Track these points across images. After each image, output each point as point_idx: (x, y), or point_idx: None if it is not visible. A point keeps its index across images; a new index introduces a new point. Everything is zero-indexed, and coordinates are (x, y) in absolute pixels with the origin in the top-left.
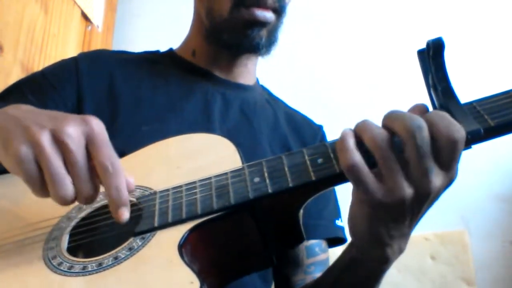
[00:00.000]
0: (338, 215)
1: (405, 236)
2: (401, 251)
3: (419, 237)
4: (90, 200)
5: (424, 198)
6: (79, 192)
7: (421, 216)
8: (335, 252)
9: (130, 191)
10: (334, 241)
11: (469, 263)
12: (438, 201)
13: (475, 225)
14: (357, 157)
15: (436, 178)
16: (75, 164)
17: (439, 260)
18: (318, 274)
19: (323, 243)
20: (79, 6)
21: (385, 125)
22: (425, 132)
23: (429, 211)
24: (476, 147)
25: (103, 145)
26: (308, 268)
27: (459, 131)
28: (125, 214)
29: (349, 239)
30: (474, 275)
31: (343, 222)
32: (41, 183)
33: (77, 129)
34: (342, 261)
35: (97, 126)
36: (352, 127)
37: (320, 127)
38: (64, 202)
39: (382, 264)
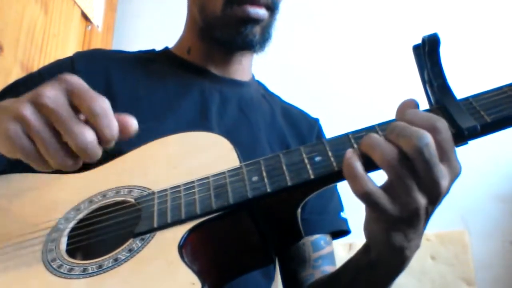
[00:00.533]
0: (341, 208)
1: (421, 234)
2: (417, 247)
3: None
4: (92, 152)
5: (436, 201)
6: (75, 146)
7: (434, 211)
8: (336, 253)
9: (134, 131)
10: (337, 233)
11: (469, 263)
12: None
13: (475, 225)
14: (370, 184)
15: (445, 180)
16: (60, 120)
17: (439, 260)
18: (326, 267)
19: (328, 236)
20: (79, 6)
21: (390, 140)
22: (432, 147)
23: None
24: (476, 147)
25: (84, 93)
26: (315, 262)
27: (439, 120)
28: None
29: (353, 231)
30: (474, 275)
31: (346, 214)
32: (38, 154)
33: (54, 88)
34: (360, 262)
35: (73, 79)
36: (350, 123)
37: (316, 120)
38: (67, 165)
39: (401, 264)
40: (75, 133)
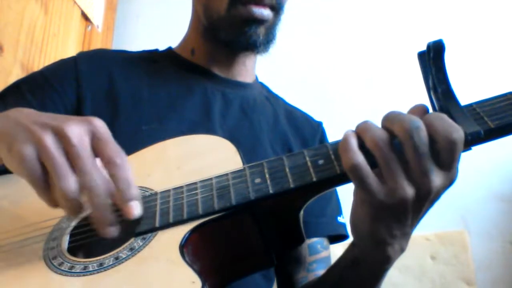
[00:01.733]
0: (339, 212)
1: (407, 235)
2: (402, 250)
3: (419, 237)
4: (97, 195)
5: (425, 197)
6: (85, 186)
7: (423, 216)
8: (335, 253)
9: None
10: (336, 238)
11: (469, 263)
12: (438, 201)
13: (475, 225)
14: (359, 157)
15: (437, 178)
16: (79, 157)
17: (439, 260)
18: (320, 272)
19: (325, 241)
20: (79, 6)
21: (384, 126)
22: (423, 133)
23: (429, 211)
24: (476, 147)
25: (109, 141)
26: (310, 266)
27: (458, 131)
28: (136, 208)
29: (350, 236)
30: (474, 275)
31: (345, 219)
32: (45, 183)
33: (80, 127)
34: (345, 260)
35: (100, 124)
36: (353, 126)
37: (319, 124)
38: (69, 200)
39: (384, 263)
40: (89, 174)
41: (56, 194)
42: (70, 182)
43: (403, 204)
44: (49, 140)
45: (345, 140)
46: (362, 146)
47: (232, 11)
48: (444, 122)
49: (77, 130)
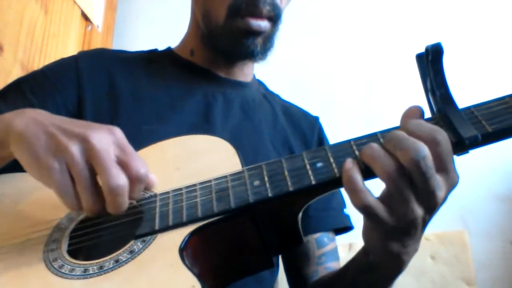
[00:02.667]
0: (344, 205)
1: (419, 239)
2: (416, 251)
3: None
4: (120, 208)
5: (433, 211)
6: (108, 186)
7: (430, 219)
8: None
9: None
10: (340, 230)
11: (469, 263)
12: None
13: (475, 225)
14: (369, 197)
15: (441, 191)
16: (104, 160)
17: (439, 260)
18: (329, 264)
19: (331, 233)
20: (79, 6)
21: (388, 150)
22: (429, 159)
23: None
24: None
25: (134, 155)
26: (319, 259)
27: (440, 133)
28: None
29: (353, 231)
30: (474, 275)
31: (348, 210)
32: (75, 195)
33: (105, 138)
34: (359, 264)
35: (121, 135)
36: (353, 126)
37: (316, 119)
38: (95, 213)
39: (399, 268)
40: (112, 174)
41: (83, 204)
42: (95, 199)
43: (414, 223)
44: (77, 153)
45: (349, 178)
46: (365, 168)
47: (230, 22)
48: (425, 127)
49: (103, 142)
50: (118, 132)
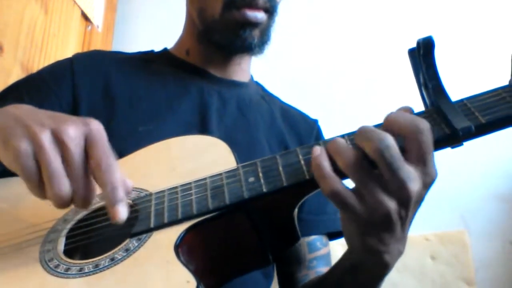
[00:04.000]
0: None
1: (401, 239)
2: (400, 253)
3: (419, 237)
4: (86, 201)
5: (407, 204)
6: (75, 192)
7: (412, 218)
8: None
9: (128, 192)
10: (334, 234)
11: (469, 263)
12: (438, 201)
13: (475, 225)
14: (337, 183)
15: (414, 183)
16: (73, 163)
17: (439, 260)
18: (321, 268)
19: (324, 238)
20: (79, 6)
21: (355, 144)
22: (394, 149)
23: (429, 211)
24: (476, 148)
25: (101, 145)
26: (310, 263)
27: (422, 122)
28: (121, 212)
29: None
30: (474, 275)
31: None
32: (39, 180)
33: (77, 130)
34: (343, 265)
35: (97, 127)
36: (352, 126)
37: (315, 122)
38: (61, 201)
39: (382, 269)
40: (80, 181)
41: (48, 193)
42: (61, 186)
43: (387, 217)
44: (46, 140)
45: (317, 164)
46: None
47: (226, 15)
48: (407, 116)
49: (74, 133)
50: (94, 124)
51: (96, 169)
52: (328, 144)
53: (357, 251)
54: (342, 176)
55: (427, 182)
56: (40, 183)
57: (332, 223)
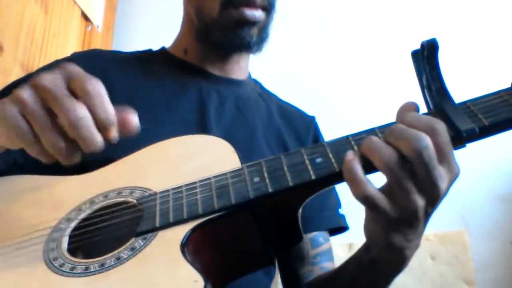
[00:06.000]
0: (339, 205)
1: (421, 234)
2: (417, 247)
3: None
4: (92, 143)
5: (435, 203)
6: (68, 122)
7: (433, 212)
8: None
9: (134, 127)
10: (335, 230)
11: (469, 263)
12: None
13: (475, 225)
14: (369, 188)
15: (444, 182)
16: (56, 97)
17: (439, 260)
18: (325, 264)
19: (326, 233)
20: (79, 6)
21: (389, 143)
22: (431, 149)
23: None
24: (476, 148)
25: (80, 76)
26: (314, 259)
27: (438, 122)
28: (113, 132)
29: (353, 231)
30: (474, 275)
31: (344, 210)
32: (33, 137)
33: (53, 73)
34: (361, 260)
35: (71, 66)
36: (351, 125)
37: (312, 119)
38: (60, 147)
39: (401, 263)
40: (67, 108)
41: (45, 146)
42: (52, 135)
43: (416, 215)
44: (26, 94)
45: (350, 168)
46: (364, 162)
47: (225, 14)
48: (422, 118)
49: (50, 76)
50: (68, 66)
51: (83, 97)
52: (364, 143)
53: (378, 247)
54: (368, 172)
55: (452, 178)
56: (36, 140)
57: (332, 219)
